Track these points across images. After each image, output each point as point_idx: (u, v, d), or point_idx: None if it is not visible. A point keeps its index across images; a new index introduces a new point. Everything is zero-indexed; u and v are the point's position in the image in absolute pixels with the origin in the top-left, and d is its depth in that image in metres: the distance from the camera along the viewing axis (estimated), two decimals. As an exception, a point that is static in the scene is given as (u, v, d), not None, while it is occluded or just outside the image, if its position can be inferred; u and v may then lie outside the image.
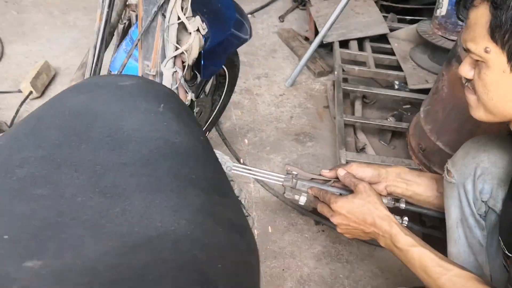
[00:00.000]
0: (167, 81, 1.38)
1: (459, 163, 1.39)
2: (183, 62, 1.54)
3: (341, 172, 1.55)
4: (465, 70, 1.15)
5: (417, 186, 1.56)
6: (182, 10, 1.41)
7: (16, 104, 2.54)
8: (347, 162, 2.01)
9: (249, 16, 3.46)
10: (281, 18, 3.55)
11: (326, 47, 3.11)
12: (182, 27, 1.44)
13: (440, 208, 1.51)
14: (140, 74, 1.47)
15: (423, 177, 1.58)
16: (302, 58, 2.86)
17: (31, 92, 2.58)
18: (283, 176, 1.59)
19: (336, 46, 2.94)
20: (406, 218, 1.53)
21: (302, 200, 1.60)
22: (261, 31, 3.41)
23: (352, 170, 1.56)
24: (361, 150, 2.48)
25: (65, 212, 0.59)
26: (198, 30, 1.49)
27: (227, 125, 2.65)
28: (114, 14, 1.40)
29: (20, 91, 2.60)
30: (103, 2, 1.24)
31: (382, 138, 2.58)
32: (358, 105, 2.72)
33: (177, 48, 1.40)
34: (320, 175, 1.60)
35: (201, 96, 2.10)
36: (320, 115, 2.76)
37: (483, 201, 1.35)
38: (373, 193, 1.44)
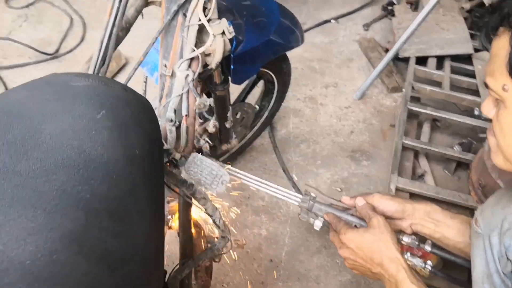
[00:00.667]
0: (179, 83, 1.32)
1: (487, 211, 1.20)
2: (207, 65, 1.48)
3: (359, 201, 1.41)
4: (487, 108, 0.98)
5: (447, 229, 1.38)
6: (204, 11, 1.34)
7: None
8: (375, 193, 1.84)
9: (332, 21, 3.34)
10: (366, 27, 3.37)
11: (406, 61, 2.90)
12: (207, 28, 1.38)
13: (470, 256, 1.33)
14: (159, 73, 1.43)
15: (456, 219, 1.39)
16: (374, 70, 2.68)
17: (98, 79, 2.65)
18: (301, 196, 1.48)
19: (412, 61, 2.73)
20: (429, 263, 1.36)
21: (317, 224, 1.47)
22: (341, 38, 3.26)
23: (374, 202, 1.41)
24: (419, 177, 2.27)
25: None
26: (223, 33, 1.42)
27: (282, 132, 2.56)
28: (132, 10, 1.36)
29: (88, 77, 2.68)
30: (113, -4, 1.21)
31: (447, 167, 2.35)
32: (426, 127, 2.50)
33: (193, 50, 1.34)
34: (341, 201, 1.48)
35: (245, 101, 2.04)
36: (384, 134, 2.57)
37: (509, 259, 1.16)
38: (387, 230, 1.29)
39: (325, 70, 2.97)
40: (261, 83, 2.14)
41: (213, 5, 1.37)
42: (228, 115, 1.80)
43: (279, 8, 1.75)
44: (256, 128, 2.25)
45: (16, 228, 0.57)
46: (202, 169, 1.25)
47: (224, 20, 1.40)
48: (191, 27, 1.34)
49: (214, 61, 1.46)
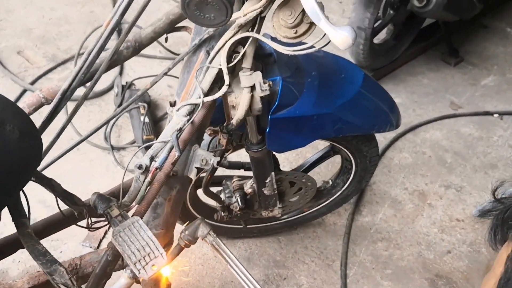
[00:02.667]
0: (170, 129, 1.09)
1: None
2: (231, 118, 1.23)
3: None
4: None
5: None
6: (232, 56, 1.09)
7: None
8: None
9: (495, 115, 2.81)
10: (536, 134, 2.75)
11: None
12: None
13: None
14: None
15: None
16: (508, 191, 2.13)
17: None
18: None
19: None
20: None
21: None
22: (495, 138, 2.70)
23: None
24: None
25: None
26: (253, 88, 1.16)
27: (365, 219, 2.17)
28: (149, 30, 1.16)
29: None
30: (117, 8, 1.02)
31: None
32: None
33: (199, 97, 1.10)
34: None
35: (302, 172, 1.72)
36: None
37: None
38: None
39: (455, 168, 2.47)
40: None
41: (248, 51, 1.11)
42: (267, 181, 1.52)
43: (364, 79, 1.41)
44: (323, 205, 1.91)
45: None
46: (136, 240, 1.00)
47: (257, 73, 1.14)
48: (210, 69, 1.10)
49: (236, 117, 1.20)
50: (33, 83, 2.63)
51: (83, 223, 1.07)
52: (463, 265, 2.04)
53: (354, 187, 1.83)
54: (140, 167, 1.07)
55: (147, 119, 2.27)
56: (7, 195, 0.71)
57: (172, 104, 1.17)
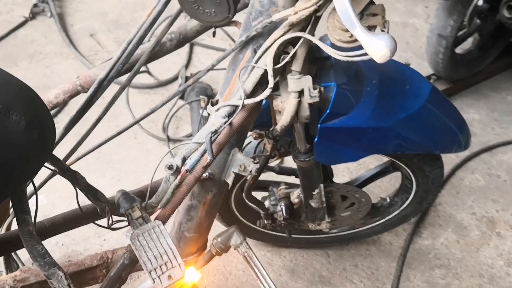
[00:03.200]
0: (206, 130, 1.02)
1: None
2: (276, 123, 1.14)
3: None
4: None
5: None
6: (280, 56, 1.00)
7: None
8: None
9: None
10: None
11: None
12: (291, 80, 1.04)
13: None
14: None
15: None
16: None
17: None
18: None
19: None
20: None
21: None
22: None
23: None
24: None
25: None
26: (302, 93, 1.06)
27: (425, 242, 2.00)
28: (195, 22, 1.09)
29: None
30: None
31: None
32: None
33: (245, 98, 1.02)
34: None
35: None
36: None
37: None
38: None
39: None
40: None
41: (299, 53, 1.02)
42: (314, 193, 1.41)
43: (431, 93, 1.27)
44: (378, 223, 1.78)
45: None
46: (154, 246, 0.94)
47: (307, 77, 1.04)
48: (255, 70, 1.02)
49: (280, 123, 1.11)
50: (101, 67, 2.66)
51: (103, 222, 1.02)
52: (529, 306, 1.84)
53: (413, 207, 1.68)
54: (170, 167, 1.01)
55: (205, 113, 2.22)
56: (6, 188, 0.67)
57: (214, 103, 1.09)
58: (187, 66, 2.67)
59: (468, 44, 2.62)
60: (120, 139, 2.31)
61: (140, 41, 0.99)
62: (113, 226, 1.01)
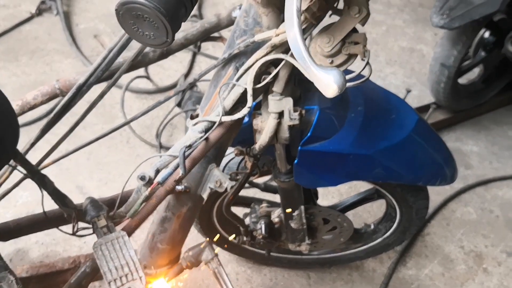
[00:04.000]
0: (181, 143, 1.01)
1: None
2: (255, 142, 1.13)
3: None
4: None
5: None
6: (261, 76, 1.00)
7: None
8: None
9: None
10: None
11: None
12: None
13: None
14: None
15: None
16: None
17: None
18: None
19: None
20: None
21: None
22: None
23: None
24: None
25: None
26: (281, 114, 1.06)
27: (409, 272, 1.98)
28: (180, 36, 1.09)
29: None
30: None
31: None
32: None
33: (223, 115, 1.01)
34: None
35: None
36: None
37: None
38: None
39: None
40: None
41: (281, 75, 1.01)
42: (294, 214, 1.40)
43: (417, 124, 1.25)
44: (360, 249, 1.76)
45: None
46: (116, 256, 0.92)
47: (288, 99, 1.04)
48: (236, 87, 1.01)
49: (259, 142, 1.10)
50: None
51: (68, 228, 1.01)
52: None
53: (396, 237, 1.66)
54: (143, 178, 1.00)
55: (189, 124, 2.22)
56: None
57: (193, 117, 1.09)
58: (188, 74, 2.67)
59: (474, 74, 2.60)
60: (112, 142, 2.34)
61: (121, 50, 0.99)
62: (78, 233, 1.00)
